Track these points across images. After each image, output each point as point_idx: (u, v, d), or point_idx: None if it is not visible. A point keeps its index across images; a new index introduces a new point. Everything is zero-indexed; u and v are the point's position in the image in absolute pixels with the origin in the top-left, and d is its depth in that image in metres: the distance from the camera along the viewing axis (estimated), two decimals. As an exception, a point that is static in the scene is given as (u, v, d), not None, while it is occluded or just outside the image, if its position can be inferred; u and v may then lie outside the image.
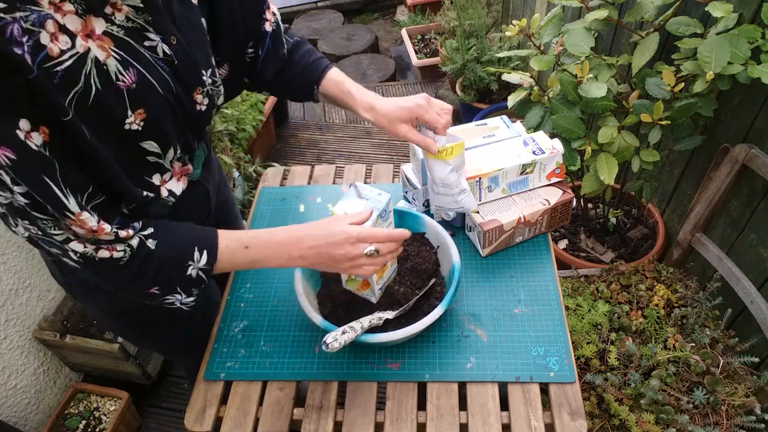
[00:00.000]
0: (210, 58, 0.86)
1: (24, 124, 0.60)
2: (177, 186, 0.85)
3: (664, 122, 1.29)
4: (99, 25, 0.66)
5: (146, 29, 0.72)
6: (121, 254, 0.74)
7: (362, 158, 2.86)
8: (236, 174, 2.25)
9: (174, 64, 0.75)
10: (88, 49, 0.64)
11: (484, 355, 0.96)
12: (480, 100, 2.72)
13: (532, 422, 0.88)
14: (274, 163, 2.58)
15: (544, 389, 0.93)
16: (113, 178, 0.72)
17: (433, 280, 1.02)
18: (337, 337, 0.83)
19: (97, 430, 1.63)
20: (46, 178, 0.64)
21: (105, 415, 1.66)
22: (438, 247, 1.06)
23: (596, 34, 1.45)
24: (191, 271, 0.80)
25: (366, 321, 0.90)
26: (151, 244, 0.77)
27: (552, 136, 1.17)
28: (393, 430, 0.89)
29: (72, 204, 0.66)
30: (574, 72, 1.33)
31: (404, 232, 0.86)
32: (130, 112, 0.70)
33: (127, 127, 0.70)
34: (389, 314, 0.93)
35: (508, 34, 1.45)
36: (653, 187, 1.54)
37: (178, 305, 0.84)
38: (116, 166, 0.71)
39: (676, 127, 1.34)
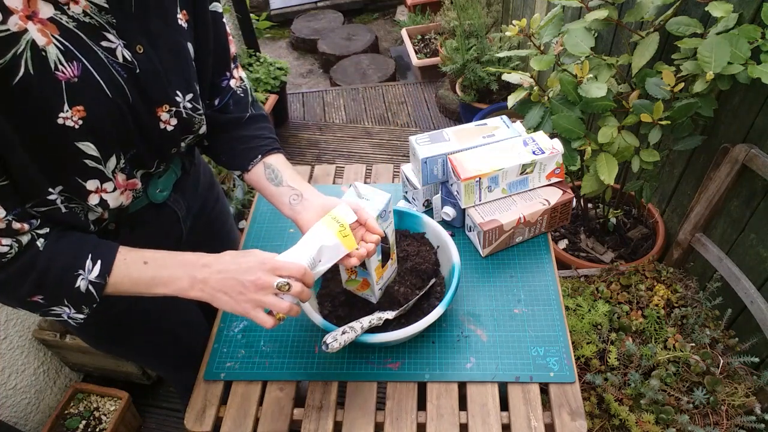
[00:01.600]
0: (192, 82, 0.83)
1: None
2: (116, 199, 0.80)
3: (664, 122, 1.29)
4: (46, 10, 0.64)
5: (106, 29, 0.70)
6: (6, 249, 0.67)
7: (362, 158, 2.86)
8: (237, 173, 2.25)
9: (135, 72, 0.73)
10: (25, 30, 0.62)
11: (484, 355, 0.96)
12: (480, 100, 2.72)
13: (532, 422, 0.88)
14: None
15: (544, 389, 0.93)
16: (20, 166, 0.67)
17: (433, 280, 1.02)
18: (337, 337, 0.83)
19: (97, 430, 1.63)
20: None
21: (105, 415, 1.66)
22: (438, 247, 1.06)
23: (596, 34, 1.45)
24: (80, 282, 0.72)
25: (366, 321, 0.90)
26: (40, 244, 0.70)
27: (552, 136, 1.17)
28: (393, 430, 0.89)
29: None
30: (574, 72, 1.33)
31: (312, 277, 0.79)
32: (67, 107, 0.67)
33: (60, 121, 0.67)
34: (389, 314, 0.93)
35: (508, 34, 1.45)
36: (653, 187, 1.54)
37: (66, 318, 0.75)
38: (27, 155, 0.67)
39: (676, 127, 1.34)
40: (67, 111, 0.67)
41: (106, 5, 0.69)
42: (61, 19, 0.65)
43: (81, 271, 0.72)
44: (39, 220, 0.71)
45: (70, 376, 1.80)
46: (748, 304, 1.32)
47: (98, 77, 0.69)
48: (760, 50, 1.14)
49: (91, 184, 0.75)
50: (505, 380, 0.93)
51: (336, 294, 1.00)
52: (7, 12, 0.60)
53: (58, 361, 1.75)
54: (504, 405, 0.91)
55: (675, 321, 1.36)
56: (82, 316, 0.76)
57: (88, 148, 0.71)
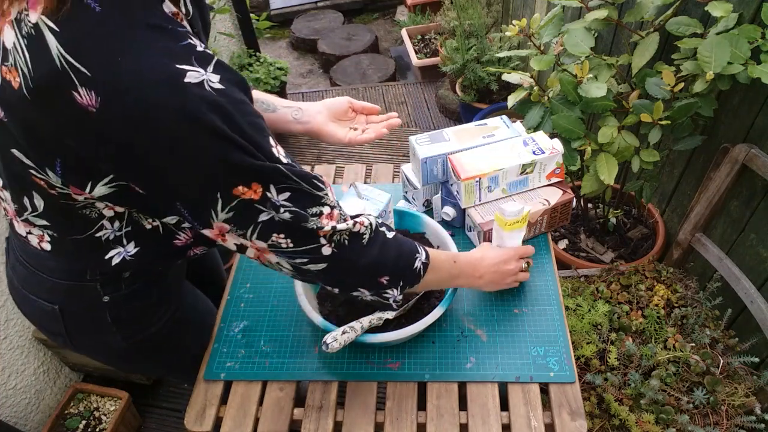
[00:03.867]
0: None
1: (271, 140, 0.66)
2: None
3: (664, 122, 1.29)
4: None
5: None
6: (365, 229, 0.76)
7: (362, 158, 2.86)
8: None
9: None
10: None
11: (484, 355, 0.96)
12: (480, 100, 2.72)
13: (532, 422, 0.88)
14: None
15: (544, 389, 0.93)
16: None
17: (433, 280, 1.02)
18: (337, 337, 0.83)
19: (97, 430, 1.63)
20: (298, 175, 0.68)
21: (105, 415, 1.66)
22: (438, 247, 1.06)
23: (596, 34, 1.45)
24: (417, 263, 0.83)
25: (366, 321, 0.90)
26: (387, 233, 0.81)
27: (552, 136, 1.17)
28: (393, 430, 0.89)
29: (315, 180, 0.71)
30: (574, 72, 1.33)
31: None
32: None
33: None
34: (389, 314, 0.93)
35: (508, 34, 1.45)
36: (653, 187, 1.54)
37: (391, 302, 0.86)
38: None
39: (676, 127, 1.34)
40: None
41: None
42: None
43: (418, 254, 0.84)
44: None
45: (70, 376, 1.80)
46: (748, 304, 1.32)
47: None
48: (760, 50, 1.14)
49: None
50: (505, 380, 0.93)
51: (336, 294, 1.00)
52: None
53: (58, 361, 1.75)
54: (504, 405, 0.91)
55: (675, 321, 1.36)
56: (401, 299, 0.86)
57: None
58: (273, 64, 2.85)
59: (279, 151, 0.66)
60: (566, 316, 1.03)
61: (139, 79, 0.55)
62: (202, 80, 0.58)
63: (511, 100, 1.49)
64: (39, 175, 0.67)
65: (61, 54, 0.54)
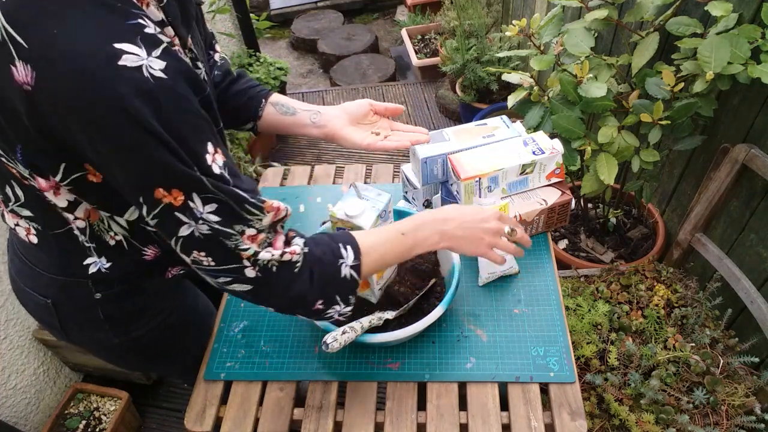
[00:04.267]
0: (209, 68, 0.89)
1: (210, 146, 0.61)
2: None
3: (664, 122, 1.29)
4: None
5: (196, 59, 0.74)
6: (298, 257, 0.72)
7: (362, 158, 2.86)
8: (236, 174, 2.25)
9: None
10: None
11: (484, 355, 0.96)
12: (480, 100, 2.72)
13: (532, 422, 0.88)
14: (274, 163, 2.58)
15: (544, 389, 0.93)
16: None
17: (433, 280, 1.02)
18: (337, 337, 0.83)
19: (97, 430, 1.63)
20: (234, 189, 0.64)
21: (105, 415, 1.66)
22: (438, 247, 1.06)
23: (596, 34, 1.45)
24: (344, 270, 0.75)
25: (366, 321, 0.90)
26: (305, 247, 0.74)
27: (552, 136, 1.17)
28: (393, 430, 0.89)
29: (259, 197, 0.68)
30: (574, 72, 1.33)
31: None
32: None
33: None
34: (389, 314, 0.93)
35: (508, 34, 1.45)
36: (653, 187, 1.54)
37: (337, 317, 0.80)
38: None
39: (676, 127, 1.34)
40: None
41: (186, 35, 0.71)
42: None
43: (341, 260, 0.75)
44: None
45: (70, 376, 1.80)
46: (748, 304, 1.32)
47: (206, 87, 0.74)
48: (760, 50, 1.14)
49: None
50: (505, 380, 0.93)
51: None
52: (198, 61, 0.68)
53: (58, 361, 1.75)
54: (504, 405, 0.91)
55: (675, 321, 1.36)
56: (349, 308, 0.79)
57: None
58: (273, 64, 2.85)
59: (216, 160, 0.62)
60: (566, 316, 1.03)
61: (72, 57, 0.52)
62: (141, 65, 0.54)
63: (511, 100, 1.49)
64: (9, 163, 0.65)
65: (2, 24, 0.52)
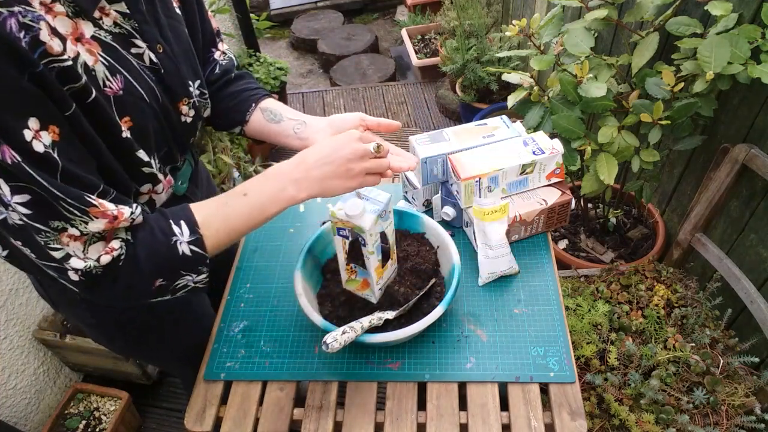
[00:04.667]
0: (198, 69, 0.85)
1: (33, 123, 0.57)
2: (161, 198, 0.83)
3: (664, 122, 1.29)
4: (88, 29, 0.64)
5: (133, 35, 0.70)
6: (119, 251, 0.68)
7: (362, 158, 2.86)
8: (236, 174, 2.25)
9: (160, 72, 0.74)
10: (78, 54, 0.62)
11: (484, 355, 0.96)
12: (480, 100, 2.72)
13: (532, 422, 0.88)
14: (273, 163, 2.58)
15: (544, 389, 0.93)
16: (117, 178, 0.70)
17: (433, 280, 1.02)
18: (337, 338, 0.83)
19: (97, 430, 1.63)
20: (58, 179, 0.60)
21: (105, 415, 1.66)
22: (438, 247, 1.06)
23: (596, 34, 1.45)
24: (181, 247, 0.72)
25: (366, 321, 0.90)
26: (130, 236, 0.71)
27: (552, 136, 1.17)
28: (393, 430, 0.89)
29: (91, 196, 0.63)
30: (574, 72, 1.33)
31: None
32: (119, 120, 0.68)
33: (123, 135, 0.69)
34: (389, 314, 0.93)
35: (508, 34, 1.45)
36: (653, 187, 1.54)
37: (193, 285, 0.77)
38: (118, 166, 0.70)
39: (676, 127, 1.34)
40: (120, 123, 0.68)
41: (127, 11, 0.69)
42: (100, 35, 0.66)
43: (174, 237, 0.71)
44: (133, 208, 0.69)
45: (70, 376, 1.80)
46: (748, 304, 1.32)
47: (137, 86, 0.70)
48: (760, 50, 1.14)
49: (145, 188, 0.78)
50: (505, 380, 0.93)
51: (336, 294, 1.00)
52: (63, 39, 0.61)
53: (58, 361, 1.75)
54: (504, 405, 0.91)
55: (675, 321, 1.36)
56: (204, 276, 0.76)
57: (143, 155, 0.73)
58: (273, 64, 2.85)
59: (40, 138, 0.57)
60: (566, 316, 1.03)
61: None
62: None
63: (511, 100, 1.49)
64: None
65: None
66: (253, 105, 0.97)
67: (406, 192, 1.25)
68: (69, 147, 0.61)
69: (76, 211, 0.62)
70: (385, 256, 0.94)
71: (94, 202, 0.63)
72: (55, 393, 1.73)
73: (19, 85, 0.56)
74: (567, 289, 1.49)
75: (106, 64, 0.66)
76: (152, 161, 0.77)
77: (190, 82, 0.82)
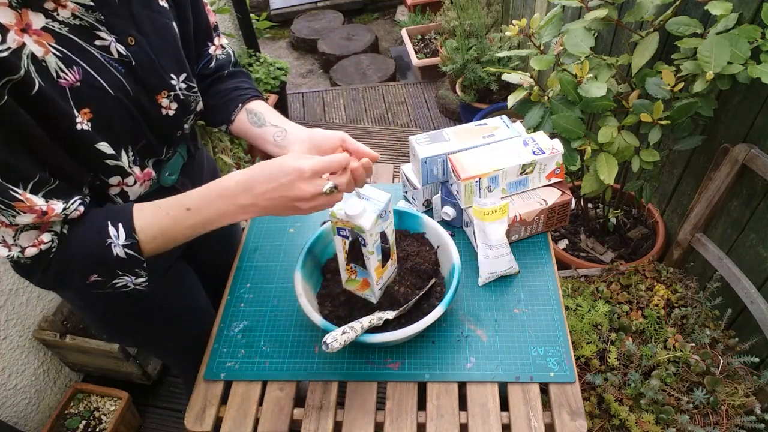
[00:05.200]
0: (183, 62, 0.84)
1: None
2: (135, 191, 0.83)
3: (664, 122, 1.29)
4: (37, 20, 0.63)
5: (97, 28, 0.69)
6: (48, 245, 0.69)
7: (362, 158, 2.86)
8: (236, 174, 2.24)
9: (131, 65, 0.74)
10: (23, 44, 0.62)
11: (484, 355, 0.96)
12: (480, 100, 2.72)
13: (532, 422, 0.88)
14: (274, 163, 2.57)
15: (544, 389, 0.93)
16: (64, 169, 0.69)
17: (433, 280, 1.02)
18: (337, 337, 0.83)
19: (97, 430, 1.63)
20: None
21: (105, 415, 1.66)
22: (438, 247, 1.06)
23: (596, 34, 1.45)
24: (116, 250, 0.72)
25: (366, 321, 0.89)
26: (65, 229, 0.72)
27: (552, 136, 1.17)
28: (393, 430, 0.89)
29: (17, 190, 0.64)
30: (574, 72, 1.33)
31: (346, 158, 0.78)
32: (75, 111, 0.68)
33: (78, 127, 0.68)
34: (389, 314, 0.93)
35: (508, 34, 1.45)
36: (653, 187, 1.54)
37: (132, 287, 0.78)
38: (65, 158, 0.69)
39: (676, 127, 1.34)
40: (78, 116, 0.68)
41: (92, 3, 0.68)
42: (53, 26, 0.65)
43: (109, 239, 0.72)
44: (68, 203, 0.70)
45: (70, 376, 1.80)
46: (748, 304, 1.32)
47: (98, 77, 0.70)
48: (760, 50, 1.14)
49: (113, 180, 0.77)
50: (505, 380, 0.93)
51: (336, 294, 1.00)
52: (4, 29, 0.60)
53: (58, 361, 1.75)
54: (504, 405, 0.91)
55: (675, 321, 1.36)
56: (143, 279, 0.77)
57: (106, 147, 0.73)
58: (273, 64, 2.85)
59: None
60: (566, 316, 1.03)
61: None
62: None
63: (511, 100, 1.49)
64: None
65: None
66: (240, 106, 0.97)
67: (406, 192, 1.25)
68: (2, 135, 0.61)
69: (1, 205, 0.63)
70: (385, 256, 0.94)
71: (19, 196, 0.64)
72: (55, 393, 1.73)
73: None
74: (567, 289, 1.49)
75: (60, 56, 0.66)
76: (122, 154, 0.76)
77: (173, 75, 0.81)
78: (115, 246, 0.72)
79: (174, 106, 0.83)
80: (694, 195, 1.52)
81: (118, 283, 0.77)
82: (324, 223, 1.09)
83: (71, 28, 0.67)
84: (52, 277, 0.72)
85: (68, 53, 0.67)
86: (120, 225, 0.73)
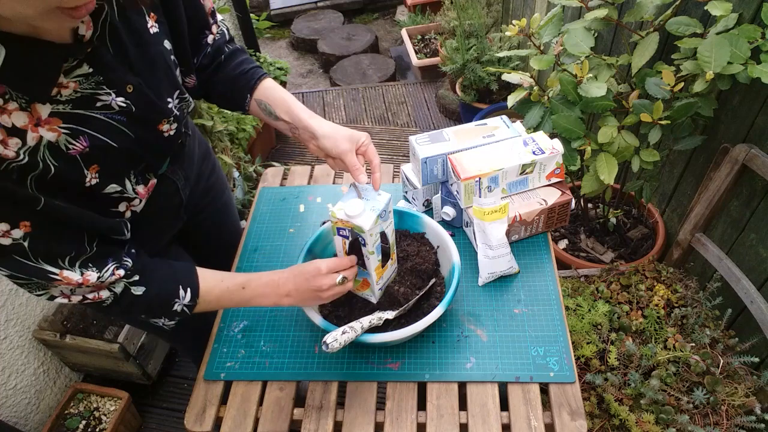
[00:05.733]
0: (176, 80, 0.85)
1: (3, 226, 0.63)
2: (141, 205, 0.86)
3: (664, 122, 1.29)
4: (45, 110, 0.65)
5: (97, 92, 0.70)
6: (105, 297, 0.78)
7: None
8: (236, 174, 2.25)
9: (132, 112, 0.75)
10: (40, 138, 0.65)
11: (484, 355, 0.96)
12: (480, 100, 2.72)
13: (532, 422, 0.88)
14: (274, 163, 2.58)
15: (544, 389, 0.93)
16: (93, 232, 0.75)
17: (433, 280, 1.02)
18: (337, 338, 0.83)
19: (97, 430, 1.63)
20: (24, 260, 0.67)
21: (105, 415, 1.66)
22: (438, 247, 1.06)
23: (596, 34, 1.45)
24: (176, 306, 0.85)
25: (366, 321, 0.90)
26: (136, 290, 0.81)
27: (552, 136, 1.17)
28: (393, 430, 0.89)
29: (54, 270, 0.70)
30: (573, 72, 1.33)
31: (353, 258, 0.93)
32: (86, 171, 0.71)
33: (87, 184, 0.72)
34: (389, 314, 0.93)
35: (508, 34, 1.45)
36: (653, 187, 1.54)
37: (161, 325, 0.89)
38: (92, 220, 0.74)
39: (676, 127, 1.34)
40: (87, 174, 0.72)
41: (90, 69, 0.68)
42: (59, 109, 0.67)
43: (177, 299, 0.84)
44: (129, 270, 0.79)
45: (70, 376, 1.80)
46: (748, 304, 1.32)
47: (103, 137, 0.72)
48: (760, 50, 1.14)
49: (122, 206, 0.82)
50: (505, 380, 0.93)
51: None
52: (22, 132, 0.63)
53: (58, 361, 1.75)
54: (504, 405, 0.91)
55: (675, 321, 1.36)
56: (174, 322, 0.89)
57: (112, 188, 0.77)
58: (273, 64, 2.85)
59: (11, 234, 0.65)
60: (566, 316, 1.03)
61: None
62: None
63: (511, 100, 1.49)
64: None
65: None
66: (248, 96, 0.98)
67: (406, 192, 1.25)
68: (40, 231, 0.67)
69: (43, 282, 0.72)
70: (385, 256, 0.94)
71: (56, 276, 0.71)
72: (55, 393, 1.73)
73: None
74: (567, 289, 1.49)
75: (68, 132, 0.68)
76: (125, 184, 0.80)
77: (169, 99, 0.82)
78: (178, 304, 0.85)
79: (174, 125, 0.85)
80: (694, 195, 1.52)
81: (154, 322, 0.88)
82: (324, 223, 1.09)
83: (74, 103, 0.68)
84: (107, 313, 0.85)
85: (75, 127, 0.69)
86: (189, 289, 0.85)
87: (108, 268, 0.76)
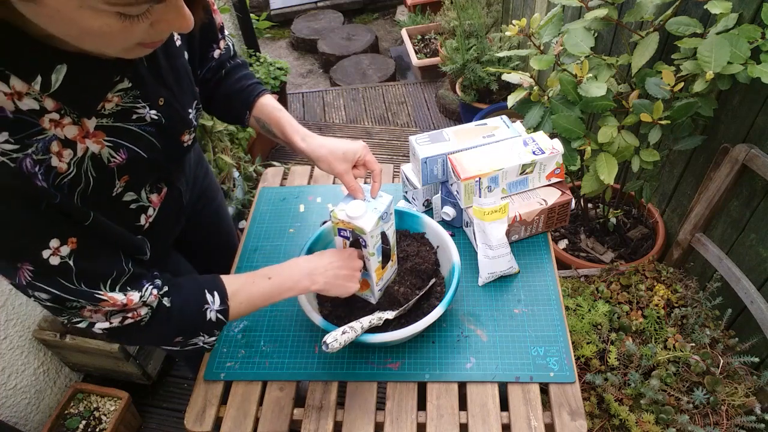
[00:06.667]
0: (195, 91, 0.86)
1: (54, 242, 0.63)
2: (154, 214, 0.86)
3: (664, 122, 1.29)
4: (91, 124, 0.67)
5: (135, 105, 0.72)
6: (144, 313, 0.76)
7: (362, 158, 2.86)
8: (236, 174, 2.25)
9: (161, 124, 0.76)
10: (87, 149, 0.66)
11: (484, 355, 0.96)
12: (480, 100, 2.72)
13: (532, 422, 0.88)
14: (274, 163, 2.58)
15: (544, 389, 0.93)
16: (127, 251, 0.75)
17: (433, 280, 1.02)
18: (337, 338, 0.83)
19: (97, 430, 1.63)
20: (68, 283, 0.66)
21: (105, 415, 1.66)
22: (438, 247, 1.06)
23: (596, 34, 1.45)
24: (210, 314, 0.82)
25: (366, 321, 0.90)
26: (166, 302, 0.79)
27: (552, 136, 1.17)
28: (393, 430, 0.89)
29: (100, 292, 0.69)
30: (573, 72, 1.33)
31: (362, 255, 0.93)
32: (117, 182, 0.73)
33: (114, 194, 0.73)
34: (389, 314, 0.93)
35: (508, 34, 1.45)
36: (653, 187, 1.54)
37: (202, 345, 0.86)
38: (124, 237, 0.75)
39: (676, 127, 1.34)
40: (117, 184, 0.73)
41: (129, 84, 0.70)
42: (102, 122, 0.68)
43: (207, 305, 0.81)
44: (160, 288, 0.78)
45: (70, 376, 1.80)
46: (748, 304, 1.32)
47: (136, 149, 0.73)
48: (759, 50, 1.14)
49: (142, 219, 0.82)
50: (505, 380, 0.93)
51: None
52: (73, 144, 0.64)
53: (58, 361, 1.75)
54: (504, 405, 0.91)
55: (675, 321, 1.36)
56: (213, 339, 0.86)
57: (130, 196, 0.78)
58: (273, 64, 2.85)
59: (60, 252, 0.64)
60: (566, 316, 1.03)
61: None
62: None
63: (511, 100, 1.49)
64: None
65: None
66: (247, 113, 1.00)
67: (406, 192, 1.25)
68: (86, 249, 0.67)
69: (86, 304, 0.70)
70: (386, 257, 0.94)
71: (103, 297, 0.70)
72: (55, 393, 1.73)
73: (39, 216, 0.62)
74: (567, 289, 1.49)
75: (111, 145, 0.69)
76: (141, 194, 0.81)
77: (190, 110, 0.84)
78: (210, 311, 0.82)
79: (192, 135, 0.87)
80: (694, 195, 1.52)
81: (193, 342, 0.85)
82: (324, 223, 1.09)
83: (115, 116, 0.70)
84: (142, 339, 0.81)
85: (116, 140, 0.70)
86: (215, 292, 0.83)
87: (146, 288, 0.76)
